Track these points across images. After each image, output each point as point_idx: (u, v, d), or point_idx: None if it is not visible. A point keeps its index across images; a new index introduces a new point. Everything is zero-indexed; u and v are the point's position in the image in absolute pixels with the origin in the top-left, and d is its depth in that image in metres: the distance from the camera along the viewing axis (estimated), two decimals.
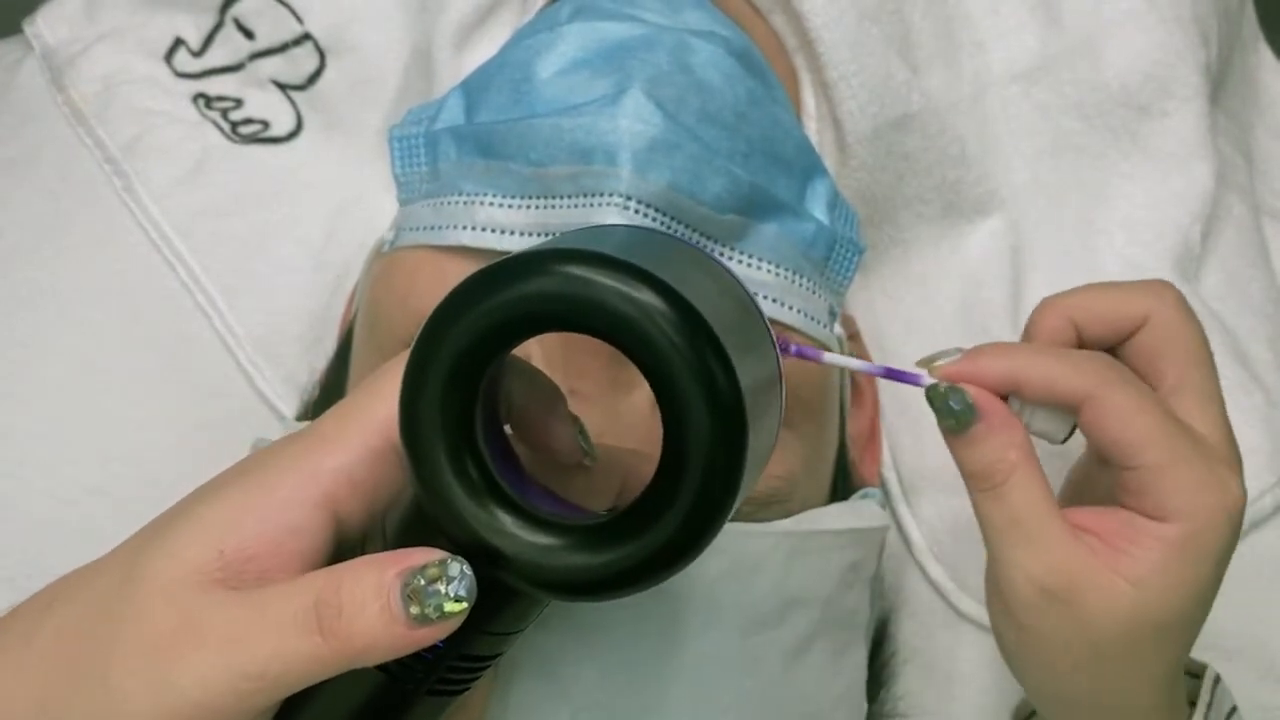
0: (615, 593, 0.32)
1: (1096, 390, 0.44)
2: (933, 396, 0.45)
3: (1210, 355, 0.47)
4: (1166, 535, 0.43)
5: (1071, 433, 0.46)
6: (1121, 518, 0.44)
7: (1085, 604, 0.43)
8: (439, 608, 0.32)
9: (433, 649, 0.34)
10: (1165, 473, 0.43)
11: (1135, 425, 0.43)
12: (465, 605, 0.32)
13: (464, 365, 0.32)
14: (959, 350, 0.45)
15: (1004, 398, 0.45)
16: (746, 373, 0.31)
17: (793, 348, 0.44)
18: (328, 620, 0.32)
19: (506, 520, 0.33)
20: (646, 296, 0.30)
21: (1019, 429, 0.45)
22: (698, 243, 0.49)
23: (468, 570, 0.33)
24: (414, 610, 0.32)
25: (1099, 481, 0.48)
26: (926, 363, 0.45)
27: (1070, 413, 0.45)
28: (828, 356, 0.45)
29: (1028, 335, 0.48)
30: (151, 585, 0.34)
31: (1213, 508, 0.44)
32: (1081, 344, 0.48)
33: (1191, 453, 0.44)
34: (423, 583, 0.32)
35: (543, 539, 0.33)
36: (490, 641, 0.36)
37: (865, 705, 0.53)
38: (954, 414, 0.44)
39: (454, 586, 0.32)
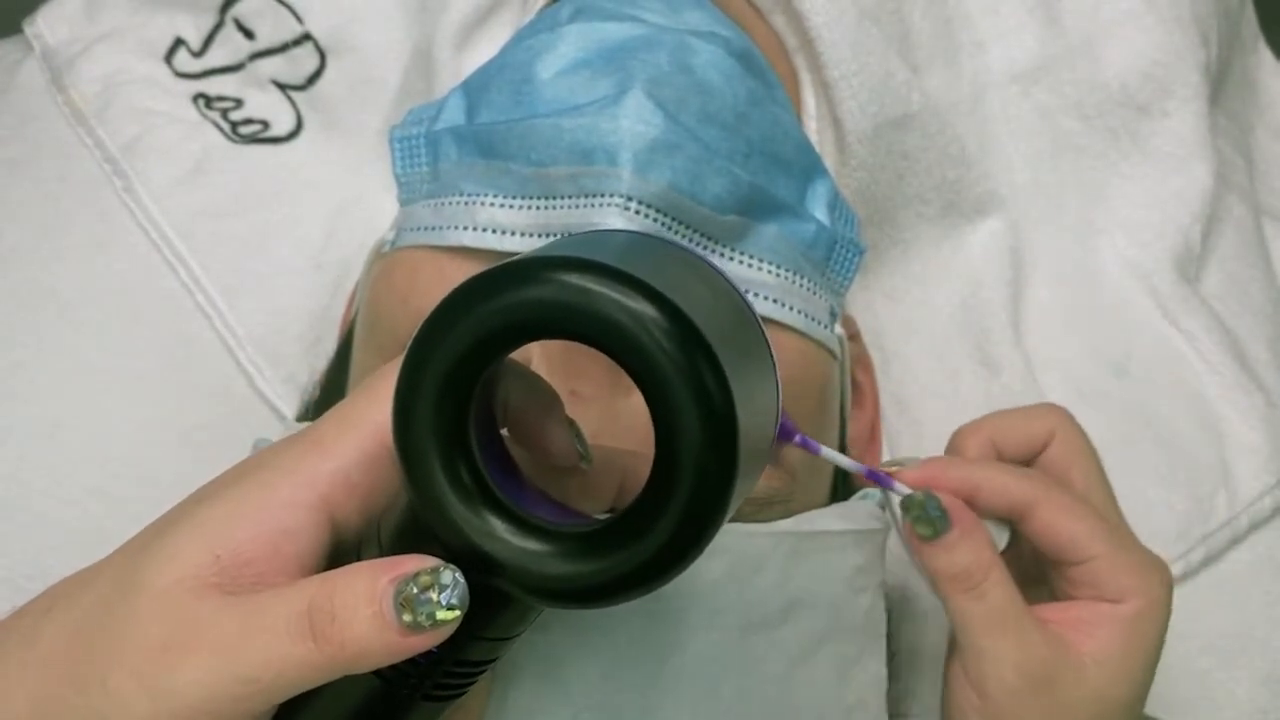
0: (608, 600, 0.32)
1: (1043, 495, 0.48)
2: (910, 505, 0.48)
3: (1102, 467, 0.52)
4: (1123, 615, 0.47)
5: (1008, 542, 0.50)
6: (1079, 607, 0.48)
7: (1063, 687, 0.46)
8: (431, 615, 0.32)
9: (428, 655, 0.34)
10: (1113, 559, 0.47)
11: (1081, 522, 0.48)
12: (458, 613, 0.32)
13: (457, 372, 0.32)
14: (915, 459, 0.49)
15: None
16: (740, 382, 0.31)
17: (796, 436, 0.46)
18: (321, 626, 0.32)
19: (500, 527, 0.33)
20: (640, 305, 0.30)
21: (985, 531, 0.48)
22: (698, 244, 0.49)
23: (460, 578, 0.33)
24: (406, 618, 0.32)
25: (1037, 583, 0.51)
26: (891, 466, 0.49)
27: (1015, 519, 0.49)
28: (825, 452, 0.48)
29: (952, 455, 0.52)
30: (149, 590, 0.34)
31: (1157, 582, 0.48)
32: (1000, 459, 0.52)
33: (1126, 539, 0.49)
34: (415, 590, 0.32)
35: (536, 545, 0.33)
36: (485, 647, 0.36)
37: (878, 714, 0.53)
38: (931, 521, 0.47)
39: (446, 594, 0.32)
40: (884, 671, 0.53)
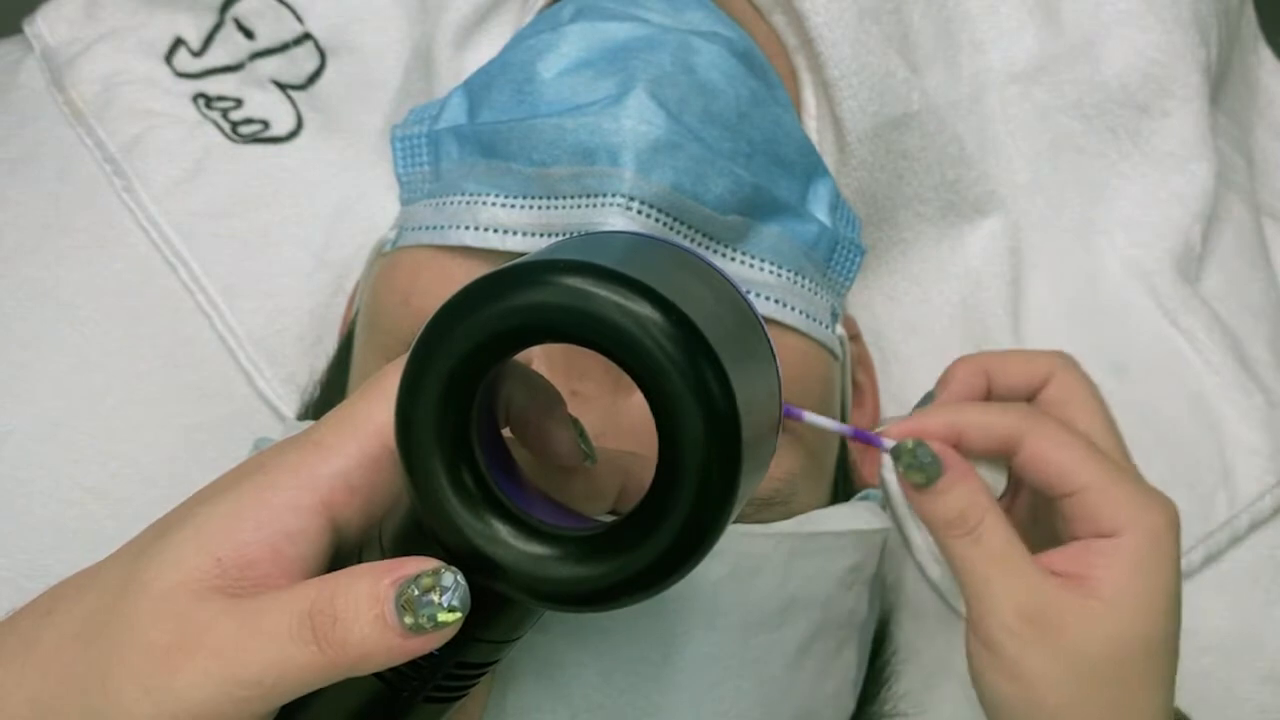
0: (610, 604, 0.32)
1: (1029, 427, 0.48)
2: (900, 453, 0.48)
3: (1108, 409, 0.51)
4: (1123, 548, 0.46)
5: (1007, 487, 0.51)
6: (1078, 546, 0.47)
7: (1068, 630, 0.45)
8: (432, 617, 0.32)
9: (429, 656, 0.34)
10: (1106, 490, 0.47)
11: (1070, 451, 0.47)
12: (459, 615, 0.32)
13: (460, 376, 0.32)
14: (899, 417, 0.49)
15: None
16: (743, 384, 0.31)
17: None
18: (323, 629, 0.32)
19: (502, 530, 0.33)
20: (641, 308, 0.30)
21: (978, 474, 0.48)
22: (699, 245, 0.49)
23: (461, 580, 0.33)
24: (408, 620, 0.32)
25: (1040, 531, 0.50)
26: (879, 427, 0.49)
27: (1007, 455, 0.49)
28: (808, 416, 0.48)
29: (942, 385, 0.52)
30: (150, 593, 0.34)
31: (1157, 515, 0.47)
32: (993, 398, 0.52)
33: (1122, 473, 0.48)
34: (416, 592, 0.32)
35: (538, 549, 0.33)
36: (487, 649, 0.36)
37: (853, 702, 0.53)
38: (923, 467, 0.47)
39: (448, 596, 0.32)
40: (857, 657, 0.53)
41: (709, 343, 0.30)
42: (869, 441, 0.49)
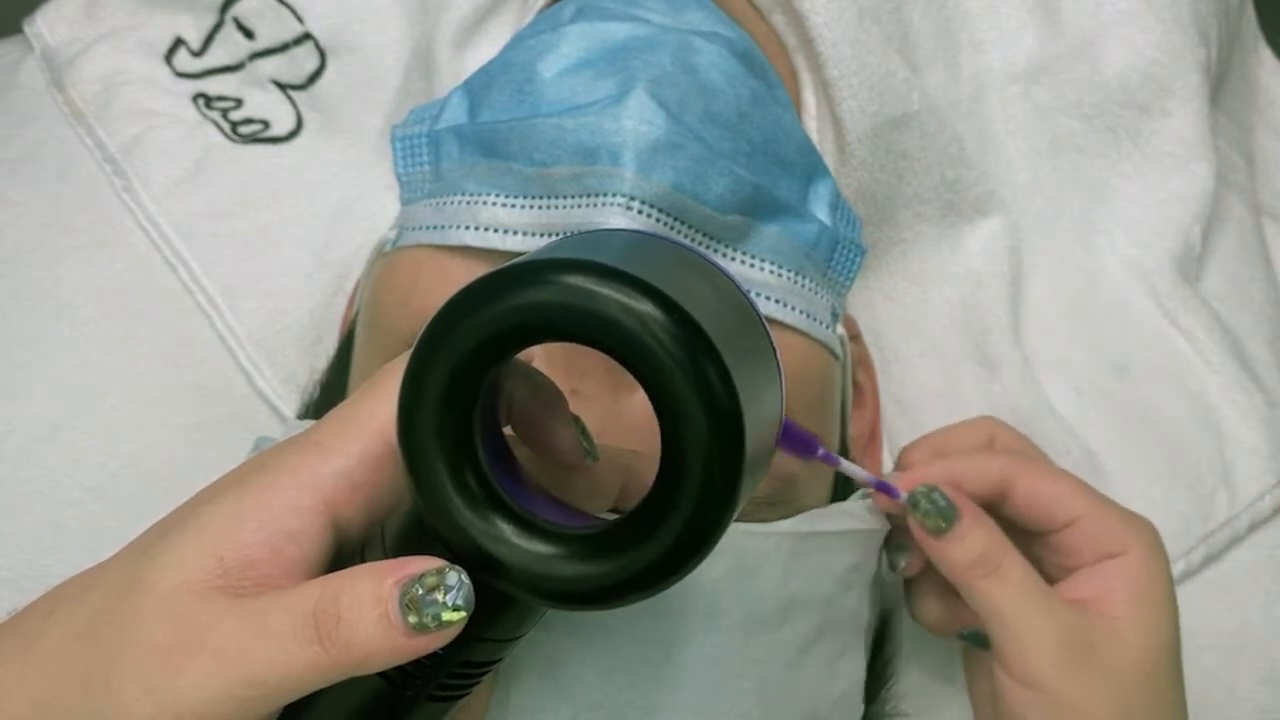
0: (614, 602, 0.32)
1: (1018, 465, 0.50)
2: (917, 500, 0.49)
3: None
4: (1132, 565, 0.48)
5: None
6: (1089, 571, 0.49)
7: (1103, 652, 0.47)
8: (437, 617, 0.32)
9: (432, 655, 0.34)
10: (1102, 515, 0.49)
11: (1060, 484, 0.50)
12: (463, 614, 0.32)
13: (461, 376, 0.32)
14: (898, 474, 0.51)
15: None
16: (745, 382, 0.31)
17: (819, 451, 0.47)
18: (326, 629, 0.32)
19: (505, 529, 0.33)
20: (644, 307, 0.30)
21: (988, 516, 0.49)
22: (700, 244, 0.49)
23: (466, 579, 0.33)
24: (412, 619, 0.32)
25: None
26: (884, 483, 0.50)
27: (997, 499, 0.51)
28: (844, 465, 0.49)
29: (901, 469, 0.54)
30: (153, 593, 0.34)
31: (1147, 530, 0.49)
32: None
33: (1105, 498, 0.50)
34: (421, 592, 0.32)
35: (542, 548, 0.33)
36: (490, 648, 0.36)
37: (862, 706, 0.53)
38: (940, 512, 0.48)
39: (452, 595, 0.32)
40: (863, 660, 0.53)
41: (711, 341, 0.30)
42: (886, 492, 0.50)
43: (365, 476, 0.35)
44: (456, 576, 0.33)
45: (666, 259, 0.34)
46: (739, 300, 0.35)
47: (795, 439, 0.45)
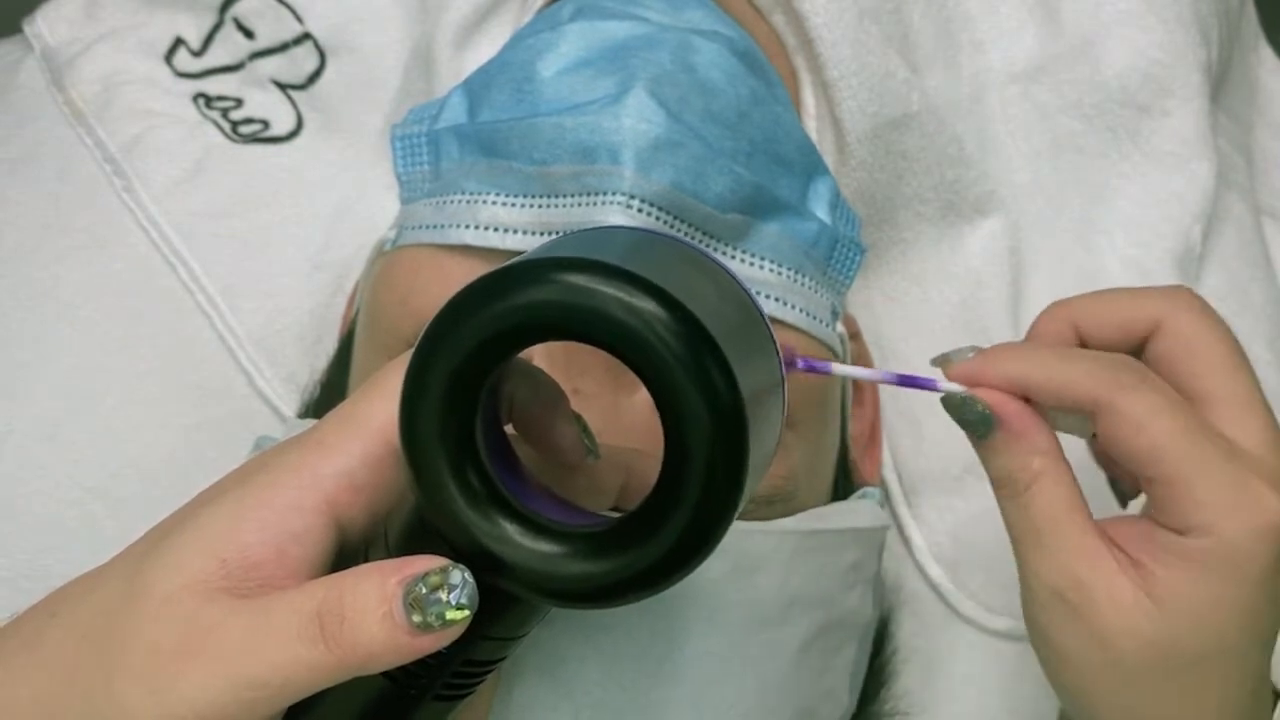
0: (617, 600, 0.32)
1: (1108, 395, 0.40)
2: (949, 405, 0.42)
3: (1244, 360, 0.43)
4: (1189, 552, 0.40)
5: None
6: (1142, 528, 0.42)
7: (1098, 615, 0.41)
8: (441, 615, 0.32)
9: (436, 655, 0.34)
10: (1186, 485, 0.40)
11: (1149, 432, 0.40)
12: (467, 613, 0.32)
13: (463, 375, 0.32)
14: (973, 349, 0.43)
15: None
16: (748, 380, 0.31)
17: (799, 361, 0.42)
18: (331, 629, 0.32)
19: (509, 528, 0.33)
20: (647, 305, 0.30)
21: (1044, 434, 0.42)
22: (700, 243, 0.49)
23: (469, 578, 0.33)
24: (416, 618, 0.32)
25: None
26: (940, 361, 0.43)
27: (1094, 413, 0.41)
28: (835, 367, 0.44)
29: (1030, 340, 0.46)
30: (154, 595, 0.34)
31: (1243, 523, 0.40)
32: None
33: (1220, 464, 0.40)
34: (424, 590, 0.32)
35: (545, 547, 0.33)
36: (494, 646, 0.36)
37: (848, 700, 0.53)
38: (971, 423, 0.42)
39: (456, 594, 0.32)
40: (855, 656, 0.53)
41: (714, 339, 0.30)
42: (918, 386, 0.43)
43: (367, 476, 0.35)
44: (460, 575, 0.32)
45: (669, 257, 0.34)
46: (741, 298, 0.35)
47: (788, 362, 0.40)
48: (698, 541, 0.31)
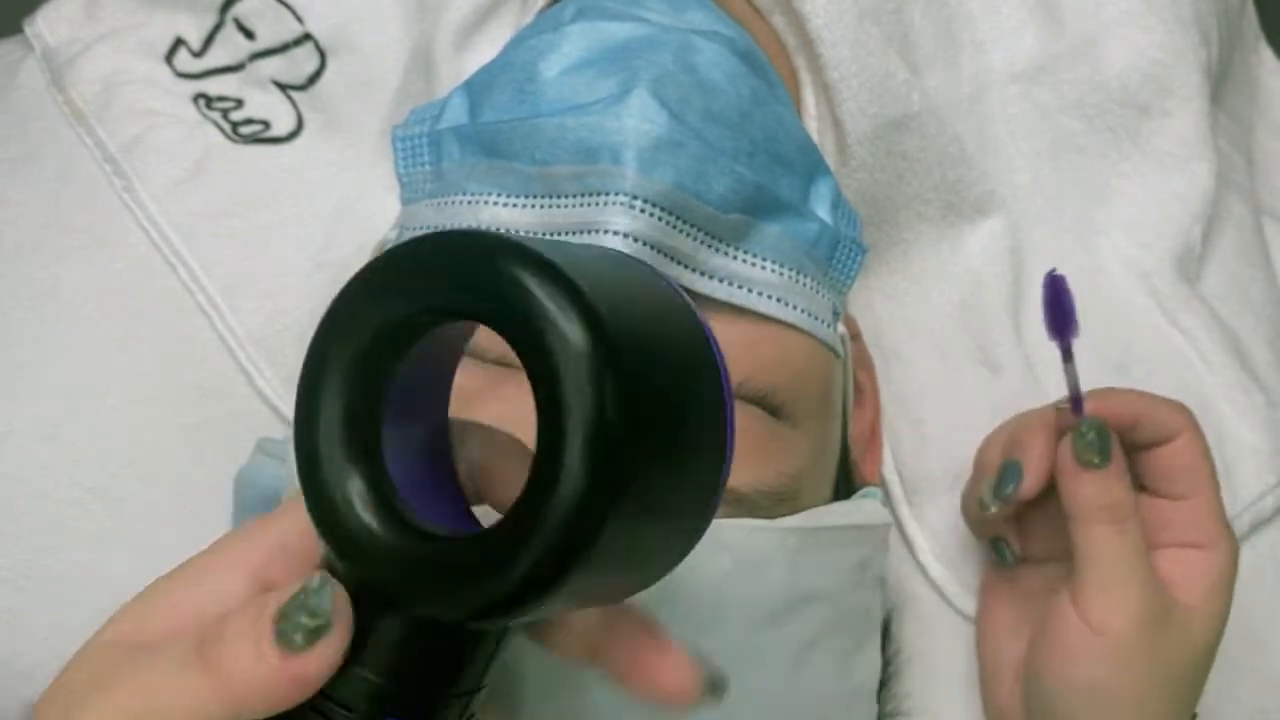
0: (496, 618, 0.30)
1: (1191, 428, 0.52)
2: (1087, 429, 0.51)
3: (1216, 478, 0.55)
4: (1214, 563, 0.51)
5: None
6: (1175, 554, 0.51)
7: (1171, 633, 0.50)
8: (299, 624, 0.31)
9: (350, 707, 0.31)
10: (1214, 505, 0.51)
11: (1208, 463, 0.52)
12: (321, 621, 0.30)
13: (359, 370, 0.30)
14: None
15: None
16: (657, 415, 0.28)
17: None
18: (210, 653, 0.31)
19: (383, 531, 0.31)
20: (530, 273, 0.28)
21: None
22: (702, 243, 0.49)
23: (328, 583, 0.31)
24: (281, 627, 0.31)
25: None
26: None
27: (1165, 442, 0.53)
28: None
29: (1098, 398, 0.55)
30: (86, 647, 0.34)
31: (1234, 541, 0.51)
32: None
33: (1220, 501, 0.52)
34: (292, 605, 0.31)
35: (418, 554, 0.30)
36: (429, 698, 0.32)
37: (875, 706, 0.53)
38: (1104, 450, 0.50)
39: (315, 599, 0.31)
40: (878, 658, 0.54)
41: (610, 333, 0.27)
42: (1077, 404, 0.51)
43: (298, 539, 0.35)
44: (318, 580, 0.31)
45: (624, 273, 0.31)
46: (692, 334, 0.31)
47: None
48: (543, 584, 0.28)
